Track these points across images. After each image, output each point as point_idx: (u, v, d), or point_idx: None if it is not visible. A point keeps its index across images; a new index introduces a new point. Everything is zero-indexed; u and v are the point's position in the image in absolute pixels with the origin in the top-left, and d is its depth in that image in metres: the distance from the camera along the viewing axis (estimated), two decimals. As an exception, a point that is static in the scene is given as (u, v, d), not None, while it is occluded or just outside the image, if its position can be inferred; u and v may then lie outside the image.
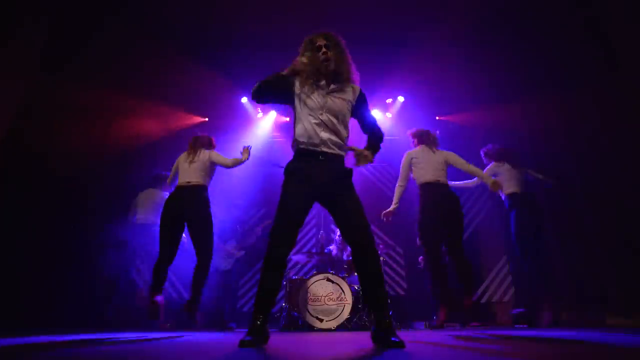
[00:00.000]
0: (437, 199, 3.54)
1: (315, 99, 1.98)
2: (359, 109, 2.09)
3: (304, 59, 2.01)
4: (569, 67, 4.65)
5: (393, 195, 3.71)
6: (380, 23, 4.65)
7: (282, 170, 1.97)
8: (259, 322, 1.77)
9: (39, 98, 4.17)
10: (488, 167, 4.10)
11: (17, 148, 4.01)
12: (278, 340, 2.26)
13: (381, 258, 4.44)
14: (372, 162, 1.98)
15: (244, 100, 5.96)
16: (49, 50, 4.17)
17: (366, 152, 1.97)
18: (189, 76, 5.33)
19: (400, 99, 5.96)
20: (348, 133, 2.04)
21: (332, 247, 4.69)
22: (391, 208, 3.71)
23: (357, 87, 2.09)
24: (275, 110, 6.22)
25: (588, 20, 4.21)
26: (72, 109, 4.60)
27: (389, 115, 6.17)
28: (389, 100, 6.04)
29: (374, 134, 2.13)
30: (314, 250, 5.19)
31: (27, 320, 3.80)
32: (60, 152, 4.45)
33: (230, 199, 5.02)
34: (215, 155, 3.59)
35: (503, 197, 4.04)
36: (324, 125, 1.94)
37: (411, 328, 4.22)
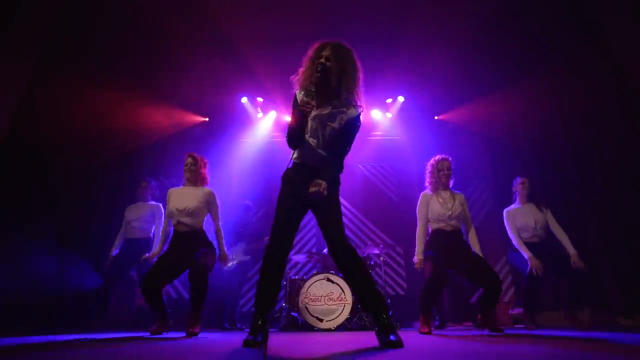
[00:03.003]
0: None
1: (309, 120, 1.91)
2: (341, 129, 1.89)
3: (302, 68, 1.96)
4: (569, 65, 4.65)
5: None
6: (380, 23, 4.65)
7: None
8: (260, 322, 1.78)
9: (39, 98, 4.18)
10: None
11: (18, 146, 4.01)
12: (278, 340, 2.27)
13: (381, 258, 4.44)
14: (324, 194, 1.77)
15: (244, 100, 5.96)
16: (49, 48, 4.18)
17: (322, 184, 1.77)
18: (190, 76, 5.33)
19: (400, 99, 5.95)
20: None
21: None
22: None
23: (355, 112, 1.90)
24: (276, 110, 6.21)
25: (587, 21, 4.21)
26: (72, 108, 4.61)
27: (388, 115, 6.16)
28: (389, 100, 6.03)
29: (332, 154, 1.92)
30: (314, 250, 5.18)
31: (27, 320, 3.81)
32: (59, 151, 4.46)
33: (229, 201, 5.00)
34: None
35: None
36: (311, 147, 1.91)
37: (411, 328, 4.22)
